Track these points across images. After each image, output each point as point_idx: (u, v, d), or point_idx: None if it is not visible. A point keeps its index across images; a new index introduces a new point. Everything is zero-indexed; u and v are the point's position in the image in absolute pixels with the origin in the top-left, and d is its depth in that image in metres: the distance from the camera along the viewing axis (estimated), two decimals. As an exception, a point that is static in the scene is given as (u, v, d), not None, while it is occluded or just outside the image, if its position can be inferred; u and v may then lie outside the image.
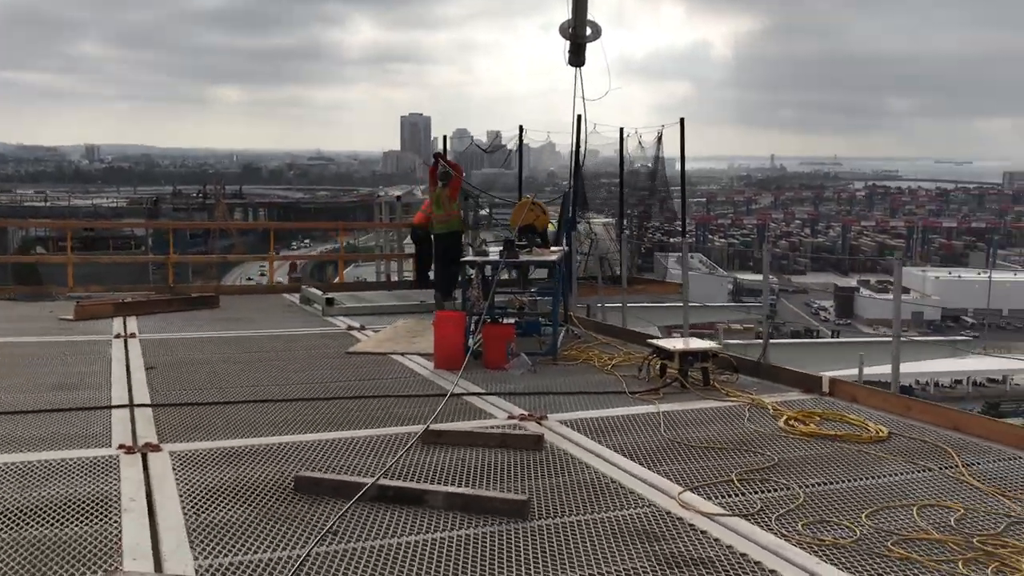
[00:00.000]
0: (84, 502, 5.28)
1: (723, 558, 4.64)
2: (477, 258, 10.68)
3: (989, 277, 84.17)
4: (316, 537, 4.81)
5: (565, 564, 4.56)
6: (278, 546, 4.72)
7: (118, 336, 11.54)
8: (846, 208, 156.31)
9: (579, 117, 14.10)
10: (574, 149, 14.80)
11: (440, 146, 20.20)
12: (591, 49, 13.26)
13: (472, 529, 4.99)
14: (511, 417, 7.57)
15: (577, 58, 13.14)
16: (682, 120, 17.13)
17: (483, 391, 8.60)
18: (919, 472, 6.15)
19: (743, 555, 4.68)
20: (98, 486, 5.59)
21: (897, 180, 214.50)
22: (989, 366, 52.73)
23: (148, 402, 7.98)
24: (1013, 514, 5.30)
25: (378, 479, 5.55)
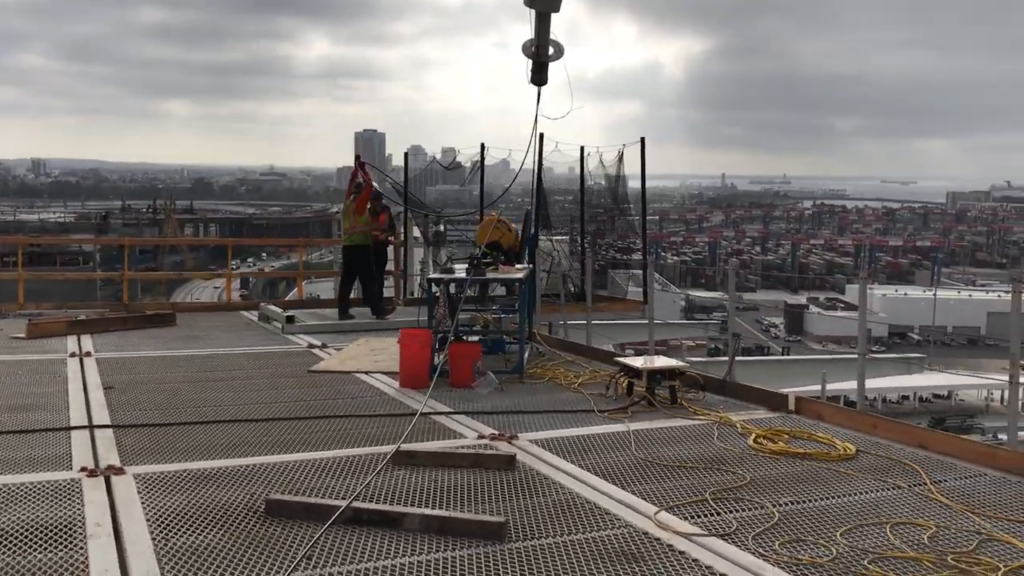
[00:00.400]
0: (48, 528, 5.12)
1: (703, 579, 4.64)
2: (444, 275, 10.61)
3: (934, 295, 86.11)
4: (290, 563, 4.71)
5: (545, 587, 4.52)
6: (252, 572, 4.61)
7: (73, 355, 11.28)
8: (795, 226, 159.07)
9: (541, 135, 14.13)
10: (536, 167, 14.83)
11: (401, 163, 20.16)
12: (551, 68, 13.31)
13: (449, 552, 4.92)
14: (481, 437, 7.52)
15: (540, 77, 13.16)
16: (643, 140, 17.29)
17: (451, 410, 8.54)
18: (889, 490, 6.22)
19: (723, 575, 4.68)
20: (61, 511, 5.43)
21: (844, 199, 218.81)
22: (935, 382, 53.82)
23: (108, 423, 7.79)
24: (983, 531, 5.37)
25: (352, 501, 5.46)
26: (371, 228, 15.02)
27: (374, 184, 15.63)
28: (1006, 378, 8.08)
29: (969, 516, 5.65)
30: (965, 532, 5.37)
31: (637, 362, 9.35)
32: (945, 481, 6.41)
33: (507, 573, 4.65)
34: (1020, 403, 8.06)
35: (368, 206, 14.82)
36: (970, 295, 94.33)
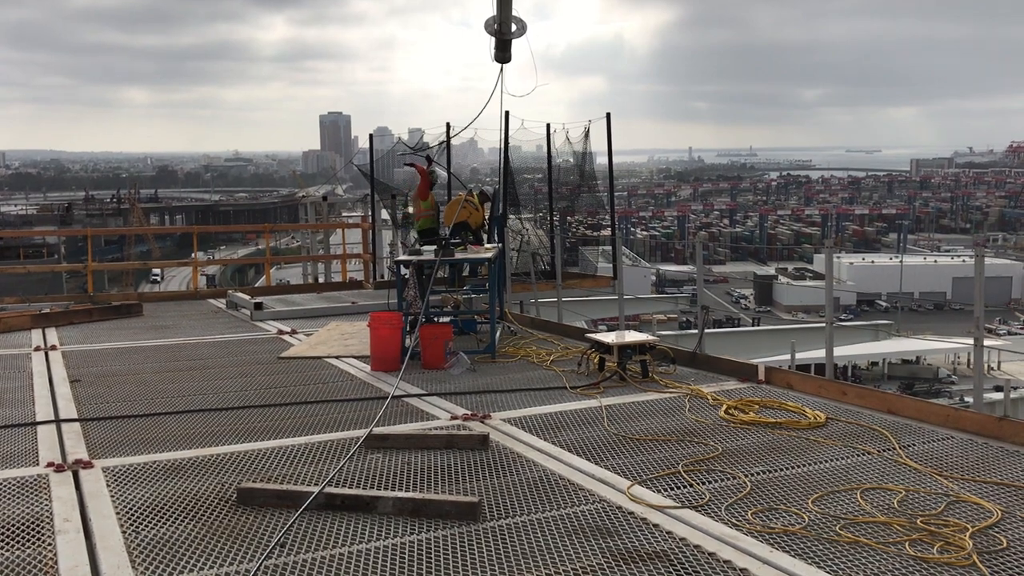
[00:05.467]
0: (14, 525, 5.03)
1: (677, 551, 4.65)
2: (412, 257, 10.54)
3: (901, 262, 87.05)
4: (264, 550, 4.67)
5: (520, 565, 4.51)
6: (224, 561, 4.56)
7: (38, 349, 11.11)
8: (762, 198, 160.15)
9: (507, 113, 14.05)
10: (503, 146, 14.75)
11: (367, 146, 19.98)
12: (515, 44, 13.20)
13: (423, 534, 4.90)
14: (454, 417, 7.50)
15: (503, 54, 13.07)
16: (608, 115, 17.23)
17: (424, 392, 8.51)
18: (859, 456, 6.28)
19: (697, 546, 4.70)
20: (28, 508, 5.34)
21: (810, 169, 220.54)
22: (904, 347, 54.49)
23: (75, 417, 7.68)
24: (951, 493, 5.44)
25: (324, 487, 5.42)
26: (431, 211, 14.72)
27: (437, 169, 15.19)
28: (971, 341, 8.18)
29: (937, 479, 5.72)
30: (934, 495, 5.44)
31: (608, 338, 9.37)
32: (913, 445, 6.49)
33: (482, 552, 4.64)
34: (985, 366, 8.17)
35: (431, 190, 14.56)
36: (935, 261, 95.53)
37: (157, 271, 74.35)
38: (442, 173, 15.48)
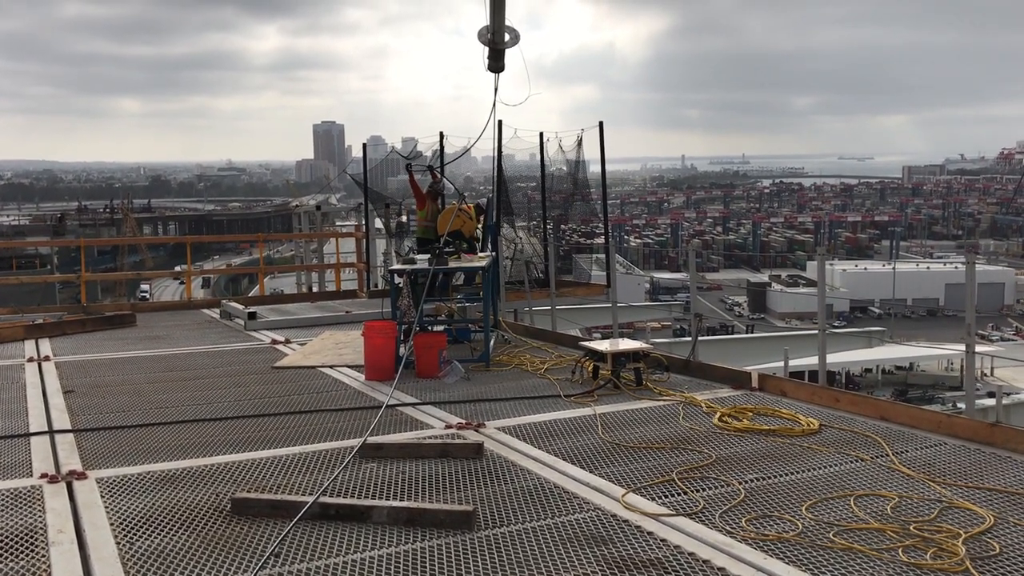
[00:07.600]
0: (7, 537, 5.02)
1: (671, 558, 4.67)
2: (406, 266, 10.55)
3: (893, 268, 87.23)
4: (258, 561, 4.67)
5: (514, 573, 4.51)
6: (218, 572, 4.56)
7: (31, 360, 11.08)
8: (755, 205, 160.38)
9: (500, 122, 14.08)
10: (496, 155, 14.77)
11: (360, 155, 20.00)
12: (508, 54, 13.24)
13: (418, 543, 4.91)
14: (449, 426, 7.50)
15: (496, 64, 13.11)
16: (601, 124, 17.29)
17: (418, 401, 8.52)
18: (852, 463, 6.30)
19: (691, 554, 4.71)
20: (21, 519, 5.33)
21: (803, 177, 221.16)
22: (897, 354, 54.62)
23: (69, 428, 7.67)
24: (944, 499, 5.47)
25: (319, 497, 5.42)
26: (427, 221, 14.55)
27: (445, 180, 14.96)
28: (963, 347, 8.20)
29: (930, 485, 5.75)
30: (927, 501, 5.46)
31: (602, 346, 9.39)
32: (906, 452, 6.52)
33: (476, 562, 4.65)
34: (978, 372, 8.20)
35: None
36: (928, 268, 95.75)
37: (146, 287, 73.96)
38: (447, 184, 15.40)
